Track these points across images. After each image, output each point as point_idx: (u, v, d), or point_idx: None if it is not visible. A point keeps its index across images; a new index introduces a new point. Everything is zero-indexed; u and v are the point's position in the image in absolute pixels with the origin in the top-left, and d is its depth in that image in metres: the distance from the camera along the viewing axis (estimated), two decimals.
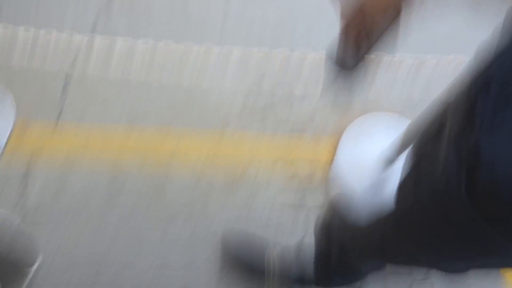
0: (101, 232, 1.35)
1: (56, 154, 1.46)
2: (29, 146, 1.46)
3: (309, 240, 1.18)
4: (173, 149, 1.51)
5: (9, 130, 1.50)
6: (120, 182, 1.44)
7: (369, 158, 0.82)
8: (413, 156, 0.58)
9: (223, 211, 1.42)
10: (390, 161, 0.74)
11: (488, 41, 0.44)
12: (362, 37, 0.56)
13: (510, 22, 0.42)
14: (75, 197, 1.40)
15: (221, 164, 1.50)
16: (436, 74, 1.74)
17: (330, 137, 1.64)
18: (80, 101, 1.57)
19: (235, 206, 1.42)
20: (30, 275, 1.21)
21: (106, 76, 1.62)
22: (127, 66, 1.65)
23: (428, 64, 1.75)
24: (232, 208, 1.41)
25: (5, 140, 1.47)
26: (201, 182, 1.46)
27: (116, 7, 1.77)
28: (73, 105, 1.56)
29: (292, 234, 1.37)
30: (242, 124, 1.59)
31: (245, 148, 1.54)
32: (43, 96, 1.56)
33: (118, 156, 1.47)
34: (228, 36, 1.77)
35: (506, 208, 0.38)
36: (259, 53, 1.72)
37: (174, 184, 1.45)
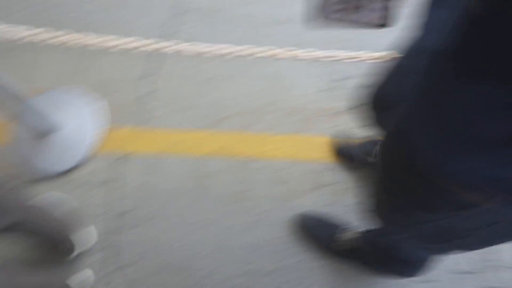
0: (187, 237, 1.36)
1: (142, 159, 1.49)
2: (117, 151, 1.51)
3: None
4: (254, 153, 1.49)
5: (101, 135, 1.56)
6: (204, 186, 1.44)
7: None
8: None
9: None
10: None
11: None
12: None
13: None
14: (161, 202, 1.42)
15: (301, 168, 1.46)
16: None
17: None
18: (165, 106, 1.60)
19: (319, 209, 1.37)
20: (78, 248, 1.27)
21: (189, 81, 1.64)
22: (209, 70, 1.67)
23: None
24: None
25: (94, 144, 1.53)
26: (281, 187, 1.43)
27: (189, 15, 1.80)
28: (158, 110, 1.59)
29: None
30: (318, 128, 1.54)
31: (323, 152, 1.49)
32: (129, 102, 1.61)
33: (201, 161, 1.48)
34: (304, 39, 1.74)
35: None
36: (339, 56, 1.68)
37: (255, 189, 1.43)
